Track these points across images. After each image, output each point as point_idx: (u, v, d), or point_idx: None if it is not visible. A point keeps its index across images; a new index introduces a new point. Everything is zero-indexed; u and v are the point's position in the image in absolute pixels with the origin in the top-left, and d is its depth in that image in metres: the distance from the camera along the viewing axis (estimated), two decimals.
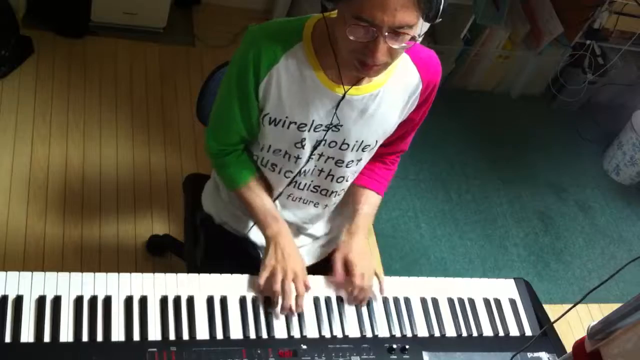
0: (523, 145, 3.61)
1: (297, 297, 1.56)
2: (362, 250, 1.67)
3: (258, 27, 1.48)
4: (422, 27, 1.32)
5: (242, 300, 1.56)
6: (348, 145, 1.58)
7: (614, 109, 3.87)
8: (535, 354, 1.66)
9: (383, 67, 1.39)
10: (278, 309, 1.55)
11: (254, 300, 1.57)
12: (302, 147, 1.57)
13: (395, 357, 1.55)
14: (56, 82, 2.90)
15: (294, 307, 1.56)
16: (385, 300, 1.66)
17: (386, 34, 1.28)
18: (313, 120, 1.52)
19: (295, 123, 1.52)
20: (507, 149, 3.55)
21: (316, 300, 1.61)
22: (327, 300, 1.62)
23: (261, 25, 1.49)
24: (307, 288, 1.59)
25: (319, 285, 1.65)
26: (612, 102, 3.94)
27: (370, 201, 1.75)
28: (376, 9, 1.25)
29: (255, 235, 1.80)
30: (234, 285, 1.58)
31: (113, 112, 2.89)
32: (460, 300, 1.73)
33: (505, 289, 1.80)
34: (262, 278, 1.56)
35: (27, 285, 1.43)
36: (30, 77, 2.88)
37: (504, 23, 3.37)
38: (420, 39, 1.33)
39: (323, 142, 1.57)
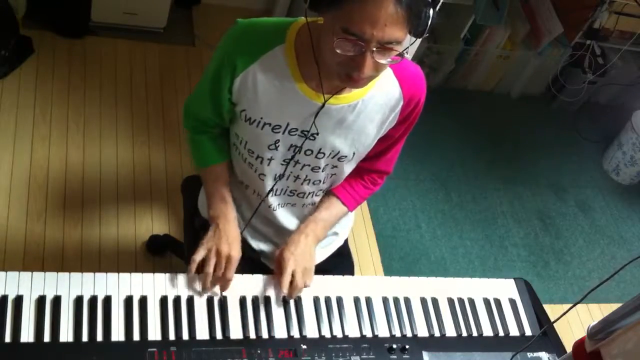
0: (523, 145, 3.61)
1: (224, 279, 1.55)
2: (301, 249, 1.63)
3: (242, 23, 1.48)
4: (409, 42, 1.32)
5: (242, 300, 1.56)
6: (324, 154, 1.57)
7: (614, 109, 3.87)
8: (535, 354, 1.66)
9: (368, 80, 1.38)
10: (201, 286, 1.55)
11: (254, 300, 1.57)
12: (276, 148, 1.56)
13: (395, 357, 1.55)
14: (56, 82, 2.90)
15: (214, 287, 1.55)
16: (385, 300, 1.67)
17: (374, 49, 1.27)
18: (288, 123, 1.51)
19: (270, 124, 1.51)
20: (507, 149, 3.55)
21: (316, 300, 1.61)
22: (327, 300, 1.62)
23: (246, 21, 1.49)
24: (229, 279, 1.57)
25: (319, 286, 1.65)
26: (612, 102, 3.94)
27: (332, 208, 1.72)
28: (365, 23, 1.24)
29: (252, 238, 1.80)
30: (234, 286, 1.58)
31: (113, 112, 2.89)
32: (460, 300, 1.73)
33: (505, 289, 1.80)
34: (198, 256, 1.56)
35: (27, 285, 1.43)
36: (30, 77, 2.88)
37: (504, 23, 3.37)
38: (407, 54, 1.32)
39: (299, 150, 1.56)
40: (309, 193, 1.70)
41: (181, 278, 1.55)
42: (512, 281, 1.82)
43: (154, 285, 1.52)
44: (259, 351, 1.47)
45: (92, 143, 2.77)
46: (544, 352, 1.67)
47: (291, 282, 1.58)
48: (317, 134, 1.53)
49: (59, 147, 2.71)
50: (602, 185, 3.59)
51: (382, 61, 1.30)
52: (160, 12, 3.13)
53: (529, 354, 1.65)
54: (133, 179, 2.72)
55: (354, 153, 1.59)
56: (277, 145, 1.55)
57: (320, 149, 1.56)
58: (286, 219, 1.76)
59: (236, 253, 1.59)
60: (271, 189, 1.66)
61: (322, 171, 1.63)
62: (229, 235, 1.60)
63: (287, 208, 1.74)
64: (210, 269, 1.54)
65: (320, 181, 1.67)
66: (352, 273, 1.97)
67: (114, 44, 3.12)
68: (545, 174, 3.51)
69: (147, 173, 2.76)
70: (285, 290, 1.58)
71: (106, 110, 2.89)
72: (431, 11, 1.26)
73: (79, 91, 2.91)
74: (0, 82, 2.81)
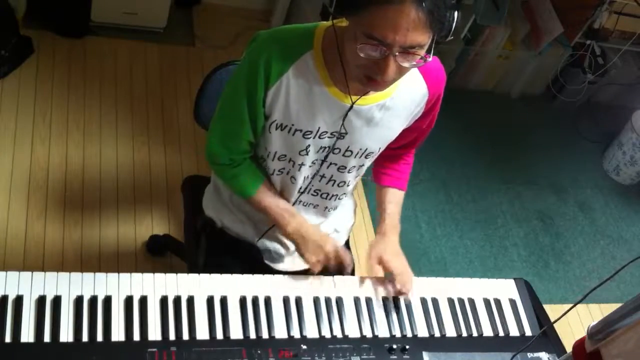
0: (523, 145, 3.61)
1: (347, 266, 1.66)
2: (396, 249, 1.72)
3: (268, 33, 1.48)
4: (432, 44, 1.32)
5: (242, 300, 1.56)
6: (352, 152, 1.59)
7: (614, 109, 3.87)
8: (535, 354, 1.66)
9: (390, 83, 1.39)
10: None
11: (254, 300, 1.57)
12: (307, 153, 1.57)
13: (395, 357, 1.55)
14: (56, 82, 2.90)
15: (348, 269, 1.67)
16: (385, 300, 1.67)
17: (397, 53, 1.28)
18: (319, 128, 1.52)
19: (301, 130, 1.52)
20: (507, 149, 3.55)
21: (316, 300, 1.61)
22: (327, 300, 1.62)
23: (271, 31, 1.49)
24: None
25: (319, 285, 1.65)
26: (612, 102, 3.93)
27: (395, 199, 1.79)
28: (388, 28, 1.24)
29: (262, 242, 1.80)
30: (234, 285, 1.58)
31: (113, 112, 2.89)
32: (460, 300, 1.73)
33: (505, 289, 1.80)
34: (317, 269, 1.65)
35: (27, 285, 1.43)
36: (30, 77, 2.88)
37: (504, 23, 3.37)
38: (430, 59, 1.33)
39: (327, 149, 1.58)
40: (333, 195, 1.72)
41: (181, 278, 1.55)
42: (512, 281, 1.82)
43: (154, 285, 1.52)
44: (259, 351, 1.47)
45: (92, 143, 2.77)
46: (544, 352, 1.67)
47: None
48: (346, 133, 1.55)
49: (59, 147, 2.71)
50: (602, 185, 3.59)
51: (406, 64, 1.31)
52: (160, 12, 3.13)
53: (529, 354, 1.65)
54: (133, 179, 2.72)
55: (379, 148, 1.63)
56: (307, 150, 1.57)
57: (348, 147, 1.58)
58: None
59: (334, 244, 1.67)
60: (300, 191, 1.69)
61: (349, 172, 1.65)
62: (317, 238, 1.66)
63: (308, 208, 1.76)
64: (332, 267, 1.65)
65: (344, 183, 1.69)
66: (352, 273, 1.97)
67: (114, 44, 3.12)
68: (545, 174, 3.51)
69: (147, 173, 2.76)
70: (395, 292, 1.68)
71: (106, 110, 2.89)
72: (455, 14, 1.27)
73: (79, 91, 2.91)
74: (0, 82, 2.81)
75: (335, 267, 1.65)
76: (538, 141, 3.66)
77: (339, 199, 1.74)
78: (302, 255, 1.67)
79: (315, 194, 1.71)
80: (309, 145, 1.55)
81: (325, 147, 1.57)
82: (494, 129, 3.61)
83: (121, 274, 1.51)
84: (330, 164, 1.62)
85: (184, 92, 3.06)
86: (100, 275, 1.49)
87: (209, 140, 1.63)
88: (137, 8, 3.07)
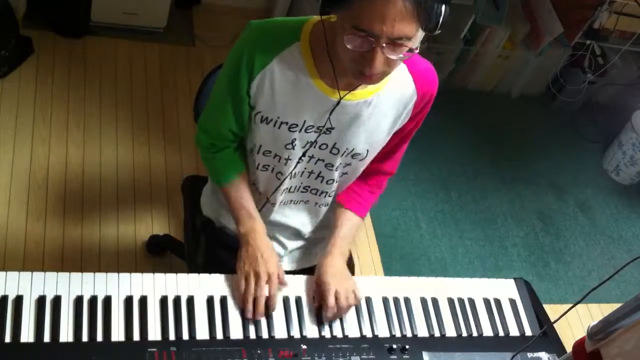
0: (523, 145, 3.61)
1: (269, 297, 1.55)
2: (338, 270, 1.63)
3: (257, 23, 1.48)
4: (420, 37, 1.32)
5: None
6: (338, 150, 1.58)
7: (614, 109, 3.87)
8: (535, 354, 1.66)
9: (381, 76, 1.39)
10: (249, 314, 1.52)
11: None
12: (293, 147, 1.57)
13: (395, 357, 1.55)
14: (56, 82, 2.90)
15: (263, 309, 1.53)
16: (385, 300, 1.66)
17: (384, 45, 1.28)
18: (304, 121, 1.52)
19: (287, 123, 1.52)
20: (507, 149, 3.55)
21: None
22: None
23: (261, 22, 1.49)
24: (282, 284, 1.58)
25: None
26: (612, 102, 3.93)
27: (350, 223, 1.73)
28: (375, 19, 1.25)
29: None
30: (233, 285, 1.58)
31: (113, 112, 2.89)
32: (460, 300, 1.73)
33: (505, 289, 1.80)
34: (241, 286, 1.55)
35: (27, 285, 1.43)
36: (30, 77, 2.88)
37: (504, 23, 3.37)
38: (417, 50, 1.32)
39: (314, 144, 1.57)
40: (322, 192, 1.71)
41: (181, 278, 1.55)
42: (512, 281, 1.82)
43: (154, 285, 1.52)
44: (259, 351, 1.47)
45: (92, 143, 2.77)
46: (544, 352, 1.67)
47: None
48: (333, 128, 1.54)
49: (59, 147, 2.71)
50: (602, 185, 3.59)
51: (393, 57, 1.31)
52: (160, 12, 3.13)
53: (529, 354, 1.65)
54: (133, 179, 2.72)
55: (367, 150, 1.61)
56: (293, 144, 1.56)
57: (335, 144, 1.57)
58: (296, 217, 1.77)
59: (274, 267, 1.58)
60: (289, 190, 1.68)
61: (336, 170, 1.64)
62: (262, 251, 1.59)
63: (299, 205, 1.75)
64: (250, 289, 1.53)
65: (333, 180, 1.68)
66: (352, 273, 1.97)
67: (114, 44, 3.12)
68: (545, 174, 3.51)
69: (147, 173, 2.76)
70: (330, 314, 1.56)
71: (106, 110, 2.89)
72: (443, 7, 1.27)
73: (79, 91, 2.91)
74: (0, 82, 2.81)
75: (258, 301, 1.53)
76: (538, 141, 3.66)
77: (328, 196, 1.73)
78: (237, 263, 1.59)
79: (304, 190, 1.71)
80: (295, 139, 1.55)
81: (311, 142, 1.56)
82: (494, 129, 3.61)
83: (121, 274, 1.51)
84: (318, 160, 1.61)
85: (184, 92, 3.06)
86: (100, 275, 1.49)
87: (197, 124, 1.68)
88: (137, 8, 3.07)
